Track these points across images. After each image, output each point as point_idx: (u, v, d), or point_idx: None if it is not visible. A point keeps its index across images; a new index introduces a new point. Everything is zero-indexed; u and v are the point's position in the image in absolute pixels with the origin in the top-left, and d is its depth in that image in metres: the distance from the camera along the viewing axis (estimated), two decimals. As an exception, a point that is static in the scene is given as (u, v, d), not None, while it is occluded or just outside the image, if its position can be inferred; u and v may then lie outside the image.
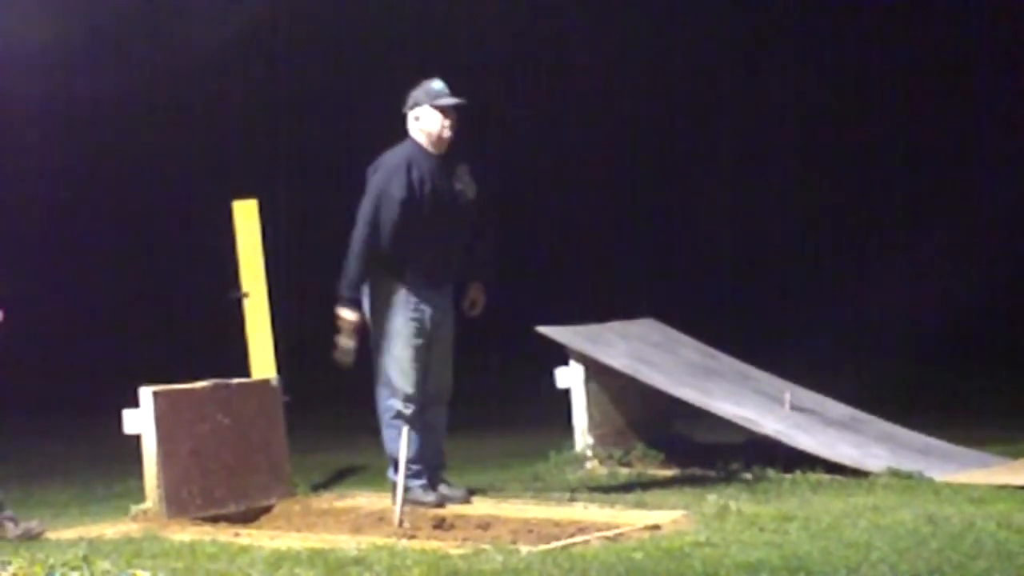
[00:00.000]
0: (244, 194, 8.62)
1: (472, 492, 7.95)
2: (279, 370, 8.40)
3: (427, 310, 7.69)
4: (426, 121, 7.72)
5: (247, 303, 8.45)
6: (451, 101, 7.72)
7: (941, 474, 8.10)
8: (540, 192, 17.72)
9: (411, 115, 7.77)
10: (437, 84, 7.77)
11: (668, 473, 8.68)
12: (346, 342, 7.62)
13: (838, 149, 17.52)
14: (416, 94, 7.77)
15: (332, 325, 7.67)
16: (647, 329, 9.90)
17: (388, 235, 7.60)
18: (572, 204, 17.68)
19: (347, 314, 7.62)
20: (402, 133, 7.80)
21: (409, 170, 7.62)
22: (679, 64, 17.65)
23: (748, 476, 8.27)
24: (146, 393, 7.59)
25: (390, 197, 7.59)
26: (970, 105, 16.93)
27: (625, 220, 17.95)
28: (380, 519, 7.41)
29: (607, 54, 17.51)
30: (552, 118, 17.76)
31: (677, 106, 17.87)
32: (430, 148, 7.72)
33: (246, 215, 8.45)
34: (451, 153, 7.78)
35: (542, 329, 9.13)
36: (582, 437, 9.14)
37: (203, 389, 7.87)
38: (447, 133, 7.72)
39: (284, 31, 17.53)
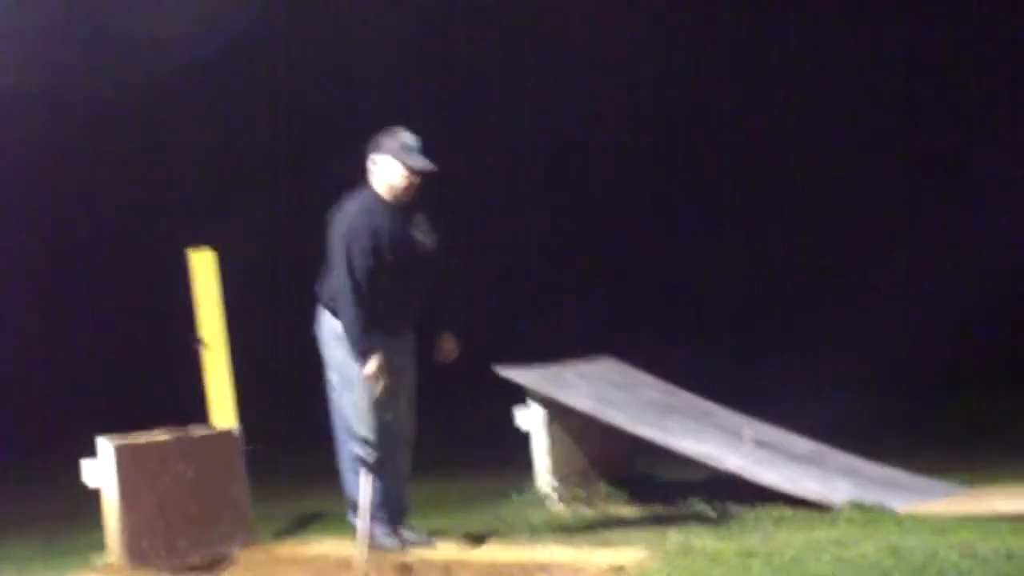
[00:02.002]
0: (203, 239, 8.56)
1: (435, 536, 7.93)
2: (239, 416, 8.36)
3: (387, 358, 7.57)
4: (388, 171, 7.47)
5: (206, 353, 8.40)
6: (420, 163, 7.44)
7: (904, 505, 8.11)
8: (510, 232, 17.78)
9: (374, 158, 7.52)
10: (409, 138, 7.47)
11: (631, 512, 8.66)
12: (380, 387, 7.47)
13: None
14: (385, 141, 7.49)
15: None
16: (607, 368, 9.89)
17: (364, 281, 7.37)
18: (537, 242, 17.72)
19: (370, 367, 7.41)
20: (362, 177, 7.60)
21: (366, 219, 7.41)
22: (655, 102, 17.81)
23: (711, 513, 8.26)
24: (105, 445, 7.53)
25: (357, 245, 7.36)
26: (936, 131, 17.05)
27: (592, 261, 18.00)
28: (344, 566, 7.38)
29: (596, 94, 17.59)
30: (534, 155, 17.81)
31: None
32: (388, 197, 7.51)
33: (203, 266, 8.38)
34: (410, 202, 7.54)
35: (502, 370, 9.11)
36: (544, 478, 9.13)
37: (165, 440, 7.82)
38: (408, 189, 7.49)
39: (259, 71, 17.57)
